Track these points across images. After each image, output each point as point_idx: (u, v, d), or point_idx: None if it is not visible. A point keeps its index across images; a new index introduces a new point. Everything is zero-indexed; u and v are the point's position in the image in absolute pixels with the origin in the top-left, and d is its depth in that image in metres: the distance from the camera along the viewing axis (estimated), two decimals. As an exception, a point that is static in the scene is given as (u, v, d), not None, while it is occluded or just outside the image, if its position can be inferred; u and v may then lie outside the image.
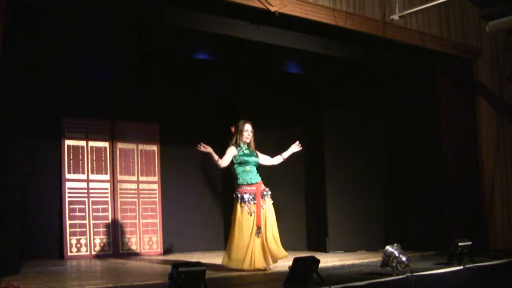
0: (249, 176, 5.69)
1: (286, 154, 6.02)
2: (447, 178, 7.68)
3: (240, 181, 5.69)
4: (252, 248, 5.50)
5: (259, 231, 5.53)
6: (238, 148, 5.74)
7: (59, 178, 7.58)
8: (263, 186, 5.76)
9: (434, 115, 7.81)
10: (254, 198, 5.61)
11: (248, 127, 5.78)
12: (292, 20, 6.17)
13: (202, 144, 5.49)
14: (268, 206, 5.70)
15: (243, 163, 5.70)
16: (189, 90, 8.61)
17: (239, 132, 5.77)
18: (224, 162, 5.66)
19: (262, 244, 5.57)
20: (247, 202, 5.58)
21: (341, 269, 5.68)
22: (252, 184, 5.67)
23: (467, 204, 7.77)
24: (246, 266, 5.48)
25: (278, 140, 8.25)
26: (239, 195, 5.63)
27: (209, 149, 5.51)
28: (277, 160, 6.02)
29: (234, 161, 5.71)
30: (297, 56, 7.17)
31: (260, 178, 5.78)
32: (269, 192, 5.77)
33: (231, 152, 5.71)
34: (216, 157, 5.56)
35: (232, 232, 5.60)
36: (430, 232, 7.82)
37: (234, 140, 5.78)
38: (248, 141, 5.78)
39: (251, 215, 5.56)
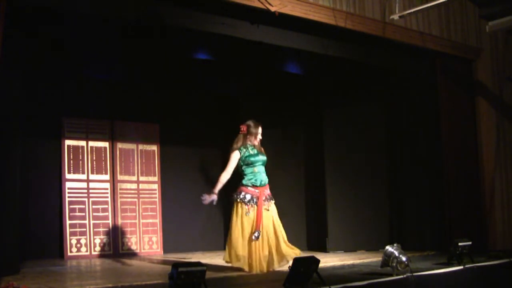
0: (256, 177, 5.60)
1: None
2: (447, 178, 7.67)
3: (245, 182, 5.60)
4: (259, 253, 5.42)
5: (257, 236, 5.39)
6: (244, 151, 5.64)
7: (59, 178, 7.58)
8: (267, 191, 5.67)
9: (434, 115, 7.81)
10: (255, 202, 5.52)
11: (261, 130, 5.71)
12: (292, 20, 6.17)
13: (206, 196, 5.56)
14: (273, 209, 5.63)
15: (250, 164, 5.61)
16: (189, 90, 8.61)
17: (252, 134, 5.67)
18: (228, 172, 5.60)
19: (270, 248, 5.49)
20: (246, 203, 5.52)
21: (341, 269, 5.68)
22: (257, 186, 5.58)
23: (467, 204, 7.76)
24: (247, 268, 5.44)
25: (278, 140, 8.29)
26: (240, 195, 5.56)
27: (213, 196, 5.58)
28: None
29: (241, 163, 5.63)
30: (297, 56, 7.17)
31: (267, 180, 5.69)
32: (272, 199, 5.69)
33: (235, 157, 5.62)
34: (220, 185, 5.59)
35: (232, 230, 5.51)
36: (430, 232, 7.82)
37: (240, 142, 5.67)
38: (256, 143, 5.71)
39: (247, 215, 5.47)
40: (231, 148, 5.70)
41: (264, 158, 5.73)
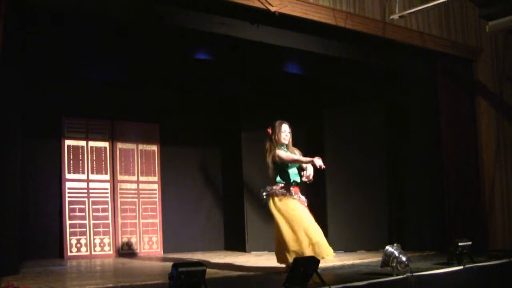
0: (290, 176, 5.48)
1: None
2: (447, 178, 7.67)
3: (278, 180, 5.45)
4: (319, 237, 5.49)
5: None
6: (284, 149, 5.52)
7: (59, 178, 7.58)
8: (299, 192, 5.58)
9: (434, 115, 7.80)
10: (293, 194, 5.43)
11: (285, 128, 5.57)
12: (292, 20, 6.16)
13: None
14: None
15: (289, 165, 5.50)
16: (189, 90, 8.62)
17: (277, 133, 5.53)
18: (289, 157, 5.46)
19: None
20: (284, 194, 5.40)
21: (341, 269, 5.68)
22: (295, 185, 5.51)
23: (467, 204, 7.76)
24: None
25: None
26: (276, 189, 5.40)
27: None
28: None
29: (278, 162, 5.46)
30: (297, 56, 7.16)
31: (299, 181, 5.60)
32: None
33: (284, 152, 5.47)
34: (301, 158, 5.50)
35: (279, 229, 5.35)
36: (430, 232, 7.82)
37: (274, 143, 5.51)
38: (286, 142, 5.56)
39: (288, 203, 5.38)
40: (274, 152, 5.49)
41: None
